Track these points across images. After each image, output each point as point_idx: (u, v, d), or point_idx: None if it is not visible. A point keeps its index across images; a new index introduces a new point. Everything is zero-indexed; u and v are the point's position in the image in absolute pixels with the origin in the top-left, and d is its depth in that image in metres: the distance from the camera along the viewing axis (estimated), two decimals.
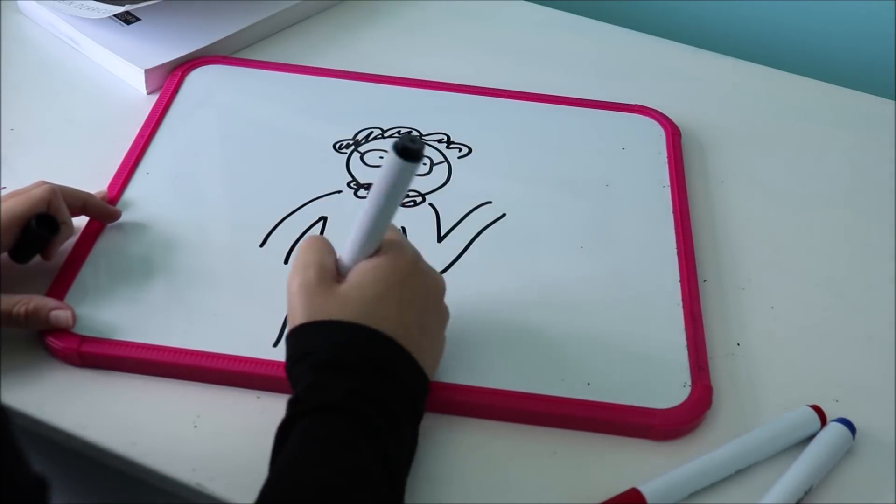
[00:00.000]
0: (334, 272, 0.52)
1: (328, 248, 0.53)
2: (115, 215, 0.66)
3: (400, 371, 0.50)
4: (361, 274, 0.51)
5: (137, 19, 0.86)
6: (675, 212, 0.71)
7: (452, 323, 0.60)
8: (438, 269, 0.65)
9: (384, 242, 0.52)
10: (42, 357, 0.58)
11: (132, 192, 0.69)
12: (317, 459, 0.45)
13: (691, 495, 0.54)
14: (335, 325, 0.50)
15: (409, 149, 0.47)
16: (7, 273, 0.61)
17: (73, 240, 0.64)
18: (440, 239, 0.68)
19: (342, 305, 0.50)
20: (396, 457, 0.48)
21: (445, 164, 0.74)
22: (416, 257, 0.53)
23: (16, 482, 0.35)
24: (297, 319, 0.51)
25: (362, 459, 0.46)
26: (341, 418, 0.47)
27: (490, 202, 0.71)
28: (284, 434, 0.47)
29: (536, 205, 0.71)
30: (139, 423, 0.55)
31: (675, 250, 0.68)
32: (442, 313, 0.55)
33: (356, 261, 0.52)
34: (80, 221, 0.65)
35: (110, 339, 0.58)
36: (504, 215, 0.70)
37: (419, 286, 0.53)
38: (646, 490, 0.52)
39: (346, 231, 0.68)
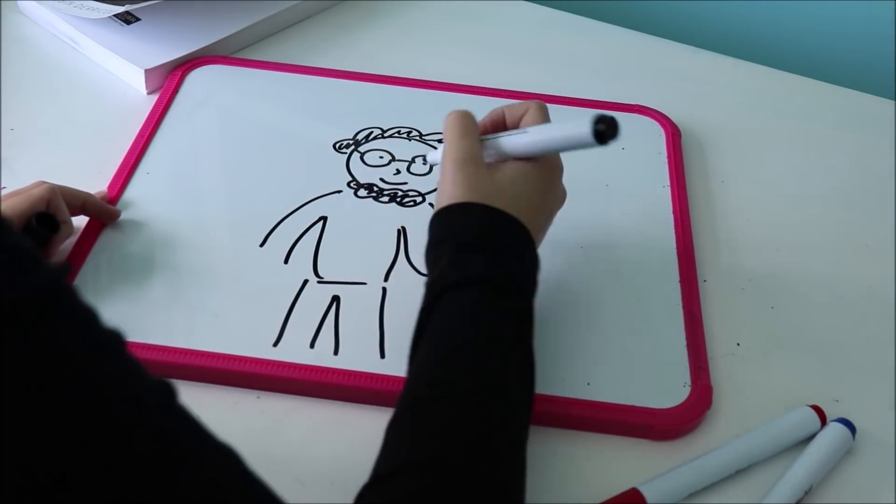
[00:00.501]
0: (479, 155, 0.57)
1: (476, 129, 0.58)
2: (115, 215, 0.66)
3: (527, 257, 0.54)
4: (519, 172, 0.56)
5: (137, 19, 0.86)
6: (675, 212, 0.71)
7: None
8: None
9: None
10: None
11: (132, 191, 0.69)
12: (466, 325, 0.50)
13: (691, 495, 0.54)
14: (484, 209, 0.54)
15: (604, 134, 0.51)
16: None
17: (72, 239, 0.64)
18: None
19: (495, 191, 0.55)
20: (527, 325, 0.52)
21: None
22: (560, 171, 0.59)
23: (144, 382, 0.36)
24: (447, 199, 0.55)
25: (504, 326, 0.50)
26: (483, 287, 0.51)
27: None
28: (429, 312, 0.51)
29: None
30: None
31: (675, 250, 0.68)
32: (550, 222, 0.60)
33: (512, 156, 0.57)
34: (80, 221, 0.65)
35: None
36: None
37: (553, 199, 0.59)
38: (646, 490, 0.52)
39: (347, 231, 0.68)
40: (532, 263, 0.55)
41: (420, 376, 0.49)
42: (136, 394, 0.35)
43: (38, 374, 0.32)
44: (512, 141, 0.57)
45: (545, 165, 0.57)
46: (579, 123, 0.52)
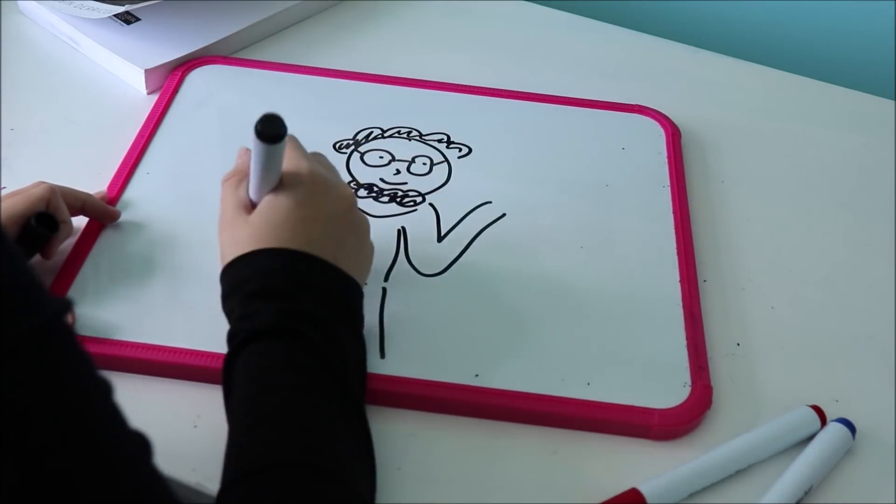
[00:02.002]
0: (247, 205, 0.56)
1: (243, 184, 0.56)
2: (115, 215, 0.66)
3: (319, 280, 0.52)
4: (267, 205, 0.54)
5: (137, 19, 0.86)
6: (675, 212, 0.71)
7: (453, 323, 0.60)
8: (439, 269, 0.65)
9: (283, 174, 0.55)
10: None
11: (132, 191, 0.69)
12: (265, 389, 0.48)
13: (691, 495, 0.54)
14: (250, 255, 0.52)
15: (273, 134, 0.51)
16: None
17: (72, 239, 0.64)
18: (440, 239, 0.68)
19: (252, 235, 0.53)
20: (340, 364, 0.50)
21: (445, 164, 0.74)
22: (313, 179, 0.55)
23: (126, 431, 0.37)
24: (224, 258, 0.54)
25: (308, 375, 0.48)
26: (277, 341, 0.49)
27: (490, 202, 0.71)
28: (229, 371, 0.50)
29: (536, 205, 0.71)
30: (139, 423, 0.54)
31: (675, 250, 0.68)
32: (354, 222, 0.57)
33: (262, 195, 0.55)
34: (80, 222, 0.65)
35: (110, 338, 0.58)
36: (504, 215, 0.70)
37: (321, 205, 0.55)
38: (646, 490, 0.52)
39: None
40: (325, 280, 0.53)
41: (242, 443, 0.47)
42: (119, 440, 0.36)
43: (31, 411, 0.33)
44: (250, 186, 0.56)
45: (288, 183, 0.54)
46: (253, 138, 0.51)
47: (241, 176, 0.57)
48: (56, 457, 0.33)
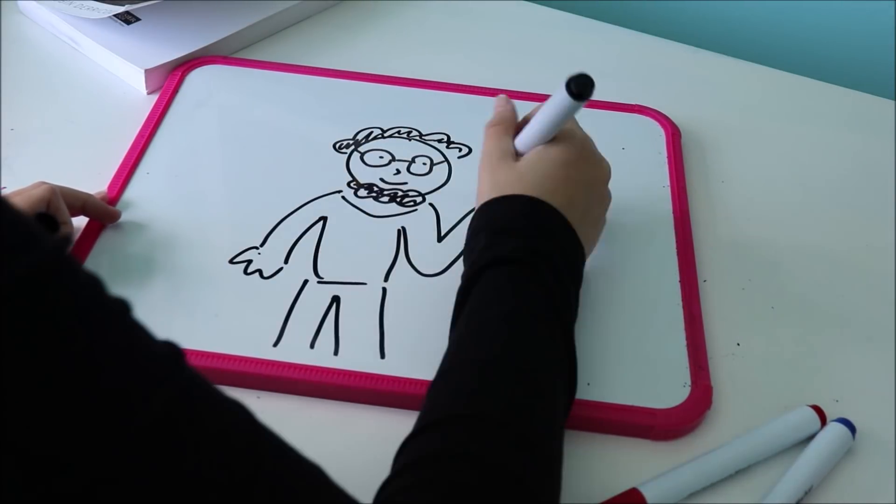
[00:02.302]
0: (512, 153, 0.60)
1: (508, 133, 0.61)
2: (115, 216, 0.66)
3: (559, 236, 0.56)
4: (536, 155, 0.59)
5: (137, 19, 0.86)
6: (675, 212, 0.71)
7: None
8: (439, 268, 0.65)
9: (560, 131, 0.59)
10: None
11: (132, 191, 0.69)
12: (495, 302, 0.52)
13: (691, 495, 0.54)
14: (510, 198, 0.56)
15: (580, 91, 0.54)
16: None
17: (72, 240, 0.64)
18: (440, 239, 0.68)
19: (518, 180, 0.57)
20: (563, 303, 0.53)
21: (445, 164, 0.74)
22: (584, 145, 0.60)
23: (152, 343, 0.37)
24: (480, 198, 0.58)
25: (533, 301, 0.52)
26: (511, 267, 0.53)
27: None
28: (465, 295, 0.54)
29: None
30: None
31: (675, 250, 0.68)
32: (604, 197, 0.62)
33: (532, 146, 0.59)
34: (80, 222, 0.65)
35: None
36: None
37: (584, 171, 0.59)
38: (646, 490, 0.52)
39: (346, 231, 0.68)
40: (565, 239, 0.56)
41: (456, 350, 0.51)
42: (143, 363, 0.35)
43: (40, 354, 0.32)
44: (524, 135, 0.60)
45: (561, 141, 0.59)
46: (558, 91, 0.56)
47: (506, 125, 0.62)
48: (70, 406, 0.32)
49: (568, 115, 0.57)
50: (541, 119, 0.58)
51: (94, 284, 0.36)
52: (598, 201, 0.61)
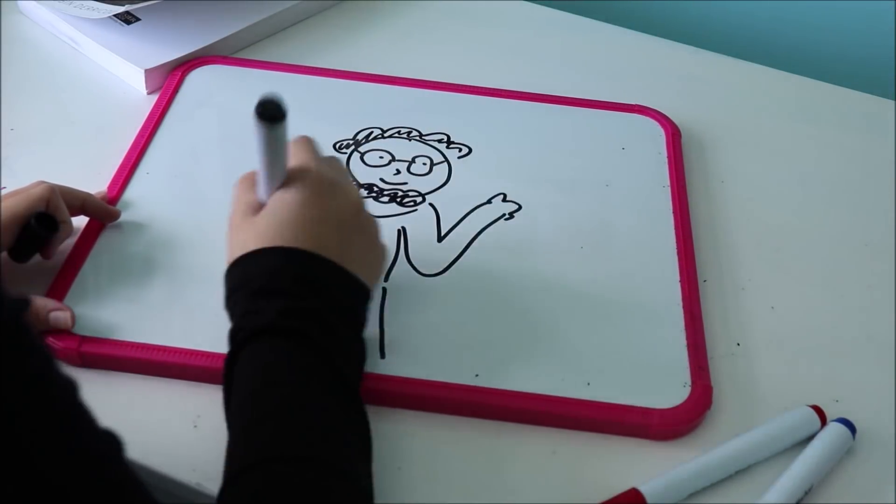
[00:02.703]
0: (255, 206, 0.55)
1: (252, 193, 0.56)
2: (115, 215, 0.66)
3: (324, 280, 0.52)
4: (271, 204, 0.54)
5: (137, 19, 0.86)
6: (675, 212, 0.71)
7: (453, 323, 0.60)
8: (439, 269, 0.65)
9: (289, 172, 0.55)
10: None
11: (132, 191, 0.69)
12: (267, 385, 0.48)
13: (691, 495, 0.54)
14: (255, 254, 0.52)
15: (273, 114, 0.50)
16: (7, 272, 0.61)
17: (72, 240, 0.64)
18: (440, 239, 0.68)
19: (257, 234, 0.53)
20: (343, 362, 0.50)
21: (445, 164, 0.74)
22: (319, 179, 0.55)
23: (95, 429, 0.36)
24: (228, 260, 0.54)
25: (310, 373, 0.49)
26: (279, 339, 0.49)
27: (490, 202, 0.71)
28: (230, 368, 0.50)
29: (536, 205, 0.71)
30: (139, 423, 0.55)
31: (675, 250, 0.68)
32: (362, 224, 0.57)
33: (269, 193, 0.55)
34: (80, 222, 0.65)
35: (110, 338, 0.58)
36: (504, 215, 0.70)
37: (327, 207, 0.54)
38: (646, 490, 0.52)
39: None
40: (335, 281, 0.52)
41: (239, 441, 0.48)
42: (84, 444, 0.35)
43: None
44: (259, 183, 0.55)
45: (292, 182, 0.54)
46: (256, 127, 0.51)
47: (255, 178, 0.56)
48: (27, 460, 0.32)
49: (274, 145, 0.52)
50: (258, 159, 0.53)
51: (47, 356, 0.35)
52: (357, 231, 0.56)
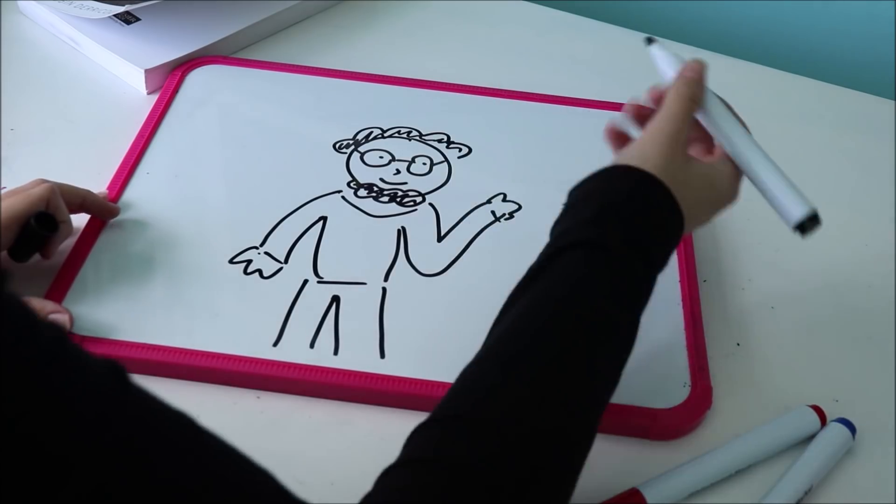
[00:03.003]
0: (685, 143, 0.56)
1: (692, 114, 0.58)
2: (115, 212, 0.66)
3: (665, 228, 0.53)
4: (714, 175, 0.57)
5: (137, 19, 0.86)
6: None
7: (453, 323, 0.60)
8: (438, 268, 0.65)
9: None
10: None
11: (132, 191, 0.69)
12: (558, 287, 0.49)
13: (691, 495, 0.54)
14: (634, 174, 0.53)
15: (805, 228, 0.57)
16: None
17: (72, 239, 0.64)
18: (440, 239, 0.68)
19: (681, 183, 0.53)
20: (636, 302, 0.51)
21: (445, 164, 0.74)
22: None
23: (93, 362, 0.36)
24: (625, 155, 0.55)
25: (614, 302, 0.49)
26: (600, 255, 0.50)
27: (490, 202, 0.71)
28: (539, 270, 0.51)
29: (536, 205, 0.71)
30: None
31: (675, 253, 0.68)
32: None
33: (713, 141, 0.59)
34: (80, 221, 0.65)
35: (110, 338, 0.58)
36: (504, 215, 0.70)
37: (728, 198, 0.59)
38: (646, 490, 0.52)
39: (346, 231, 0.68)
40: (671, 231, 0.54)
41: (495, 339, 0.49)
42: (85, 385, 0.35)
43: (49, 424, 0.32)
44: (735, 141, 0.59)
45: (736, 172, 0.58)
46: (795, 206, 0.57)
47: (700, 101, 0.59)
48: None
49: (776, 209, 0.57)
50: (766, 181, 0.59)
51: (26, 312, 0.35)
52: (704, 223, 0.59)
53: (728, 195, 0.58)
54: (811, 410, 0.57)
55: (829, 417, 0.57)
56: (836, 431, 0.56)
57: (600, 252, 0.50)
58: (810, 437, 0.57)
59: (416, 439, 0.44)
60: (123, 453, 0.34)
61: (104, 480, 0.34)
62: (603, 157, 0.76)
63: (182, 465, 0.36)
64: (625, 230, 0.51)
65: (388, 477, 0.43)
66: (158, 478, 0.35)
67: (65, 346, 0.36)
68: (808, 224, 0.56)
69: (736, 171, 0.58)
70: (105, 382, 0.36)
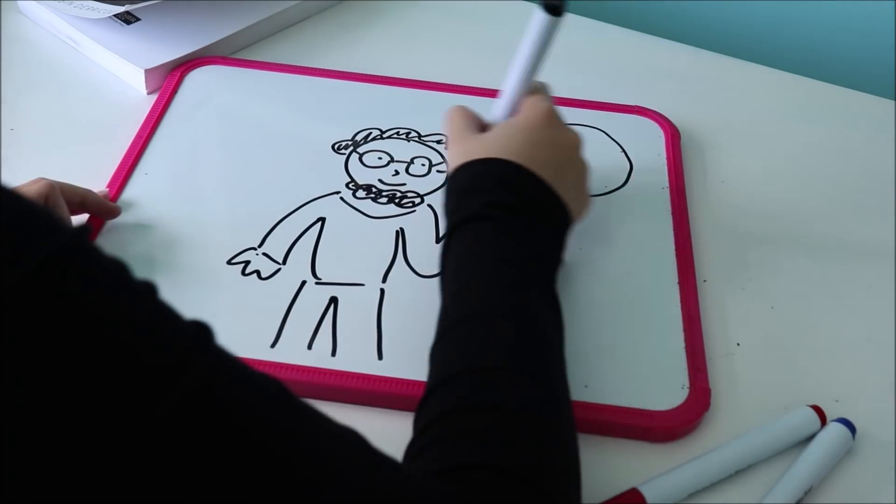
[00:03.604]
0: (477, 126, 0.63)
1: (471, 115, 0.65)
2: (115, 212, 0.66)
3: (523, 187, 0.57)
4: (500, 125, 0.62)
5: (137, 19, 0.86)
6: (674, 214, 0.71)
7: None
8: (437, 270, 0.65)
9: (526, 100, 0.62)
10: None
11: (131, 192, 0.69)
12: (469, 260, 0.54)
13: (691, 495, 0.54)
14: (474, 163, 0.59)
15: (555, 5, 0.55)
16: None
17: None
18: (439, 240, 0.68)
19: (483, 147, 0.59)
20: (533, 248, 0.55)
21: (444, 165, 0.74)
22: (548, 112, 0.61)
23: (182, 321, 0.37)
24: (450, 169, 0.61)
25: (503, 250, 0.54)
26: (476, 223, 0.55)
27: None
28: (444, 261, 0.56)
29: None
30: None
31: (674, 253, 0.68)
32: (576, 163, 0.62)
33: (507, 103, 0.62)
34: (80, 220, 0.65)
35: None
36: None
37: (549, 134, 0.61)
38: (646, 490, 0.52)
39: (345, 232, 0.68)
40: (531, 187, 0.57)
41: (444, 313, 0.53)
42: (172, 342, 0.35)
43: (65, 336, 0.31)
44: (500, 99, 0.63)
45: (524, 110, 0.61)
46: (532, 19, 0.57)
47: (467, 109, 0.65)
48: (97, 386, 0.32)
49: (542, 41, 0.58)
50: (519, 56, 0.60)
51: (120, 268, 0.36)
52: (569, 165, 0.61)
53: (528, 126, 0.60)
54: (811, 410, 0.57)
55: (829, 417, 0.57)
56: (836, 431, 0.56)
57: (472, 222, 0.55)
58: (810, 438, 0.56)
59: (427, 408, 0.47)
60: (228, 365, 0.36)
61: (211, 382, 0.34)
62: (602, 158, 0.76)
63: (274, 404, 0.37)
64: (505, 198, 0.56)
65: (417, 445, 0.46)
66: (241, 453, 0.34)
67: (156, 294, 0.37)
68: (550, 3, 0.56)
69: (515, 114, 0.62)
70: (195, 342, 0.37)
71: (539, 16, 0.56)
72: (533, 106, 0.61)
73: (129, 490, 0.32)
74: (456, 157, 0.61)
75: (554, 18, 0.56)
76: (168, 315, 0.36)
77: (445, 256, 0.56)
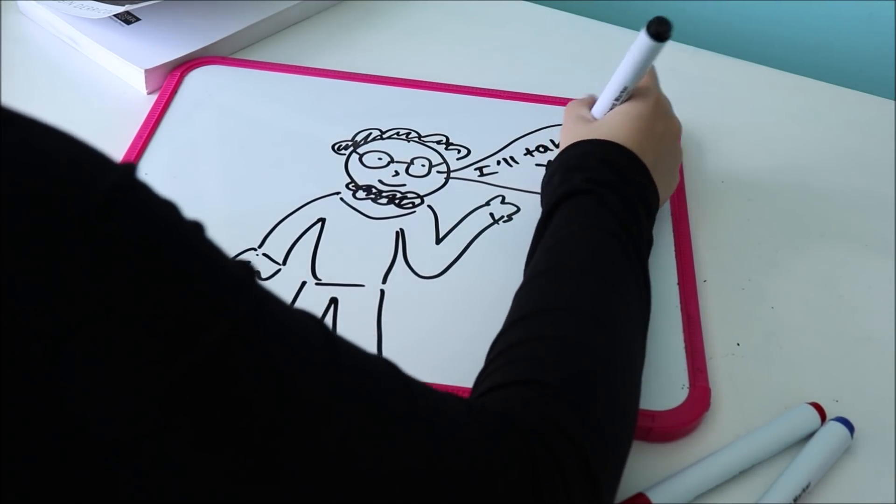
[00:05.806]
0: (588, 117, 0.67)
1: (584, 104, 0.68)
2: None
3: (626, 169, 0.61)
4: (611, 112, 0.65)
5: (137, 19, 0.86)
6: (673, 214, 0.71)
7: (451, 325, 0.60)
8: (437, 271, 0.65)
9: (637, 88, 0.65)
10: None
11: None
12: (566, 227, 0.57)
13: (695, 497, 0.54)
14: (581, 143, 0.63)
15: (660, 31, 0.58)
16: None
17: None
18: (439, 241, 0.68)
19: (592, 131, 0.63)
20: (629, 221, 0.57)
21: (444, 165, 0.74)
22: (658, 101, 0.65)
23: (228, 260, 0.37)
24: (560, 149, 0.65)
25: (602, 221, 0.57)
26: (580, 198, 0.58)
27: (489, 204, 0.71)
28: (541, 231, 0.59)
29: (536, 206, 0.71)
30: None
31: (674, 253, 0.68)
32: (674, 151, 0.67)
33: (608, 103, 0.65)
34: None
35: None
36: (503, 217, 0.70)
37: (656, 123, 0.64)
38: (652, 494, 0.52)
39: (345, 233, 0.68)
40: (632, 170, 0.61)
41: (534, 267, 0.56)
42: (222, 278, 0.36)
43: (132, 264, 0.33)
44: (601, 99, 0.66)
45: (635, 97, 0.64)
46: (637, 39, 0.60)
47: (582, 100, 0.69)
48: (159, 314, 0.33)
49: (645, 60, 0.61)
50: (619, 73, 0.63)
51: (171, 205, 0.37)
52: (668, 152, 0.65)
53: (637, 114, 0.63)
54: (811, 408, 0.57)
55: (828, 417, 0.57)
56: (833, 430, 0.56)
57: (575, 197, 0.58)
58: (811, 435, 0.56)
59: (499, 342, 0.50)
60: (260, 314, 0.36)
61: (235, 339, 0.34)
62: None
63: (311, 375, 0.37)
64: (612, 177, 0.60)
65: (487, 370, 0.49)
66: (286, 386, 0.35)
67: (205, 232, 0.37)
68: (656, 31, 0.58)
69: (625, 102, 0.65)
70: (243, 279, 0.37)
71: (644, 39, 0.59)
72: (645, 94, 0.65)
73: (175, 412, 0.33)
74: (567, 139, 0.65)
75: (658, 44, 0.59)
76: (217, 250, 0.37)
77: (544, 226, 0.59)
